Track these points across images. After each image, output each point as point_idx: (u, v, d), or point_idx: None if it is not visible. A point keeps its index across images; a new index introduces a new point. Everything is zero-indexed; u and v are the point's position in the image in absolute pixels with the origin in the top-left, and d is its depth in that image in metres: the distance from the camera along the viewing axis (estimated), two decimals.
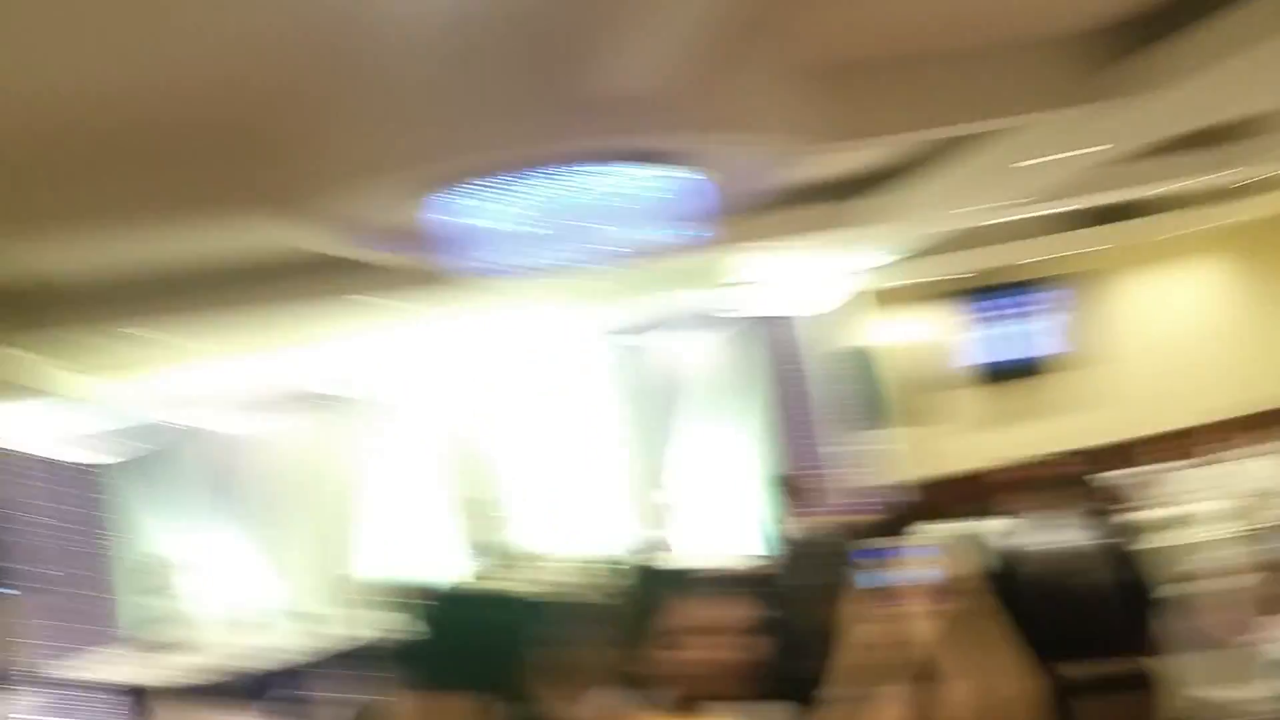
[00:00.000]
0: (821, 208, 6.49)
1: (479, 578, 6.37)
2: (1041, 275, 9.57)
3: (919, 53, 4.24)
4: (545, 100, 3.36)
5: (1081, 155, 5.21)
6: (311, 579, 7.82)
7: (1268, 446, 8.18)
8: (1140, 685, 2.18)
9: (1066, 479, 6.67)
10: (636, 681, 2.13)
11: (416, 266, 5.41)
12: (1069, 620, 2.13)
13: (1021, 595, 2.14)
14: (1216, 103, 4.89)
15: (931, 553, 2.03)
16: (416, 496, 8.18)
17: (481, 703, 2.42)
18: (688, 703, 2.11)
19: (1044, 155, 5.08)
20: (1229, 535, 6.48)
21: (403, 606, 4.25)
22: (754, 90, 3.60)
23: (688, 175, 4.04)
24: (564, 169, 3.89)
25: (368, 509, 8.13)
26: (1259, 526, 6.57)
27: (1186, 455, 8.08)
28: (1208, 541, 6.26)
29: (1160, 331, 10.01)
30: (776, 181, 4.53)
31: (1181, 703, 2.28)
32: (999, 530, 7.27)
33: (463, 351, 8.19)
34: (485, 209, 4.07)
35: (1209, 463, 7.98)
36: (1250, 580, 5.08)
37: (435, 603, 3.04)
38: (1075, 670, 2.11)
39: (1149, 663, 2.26)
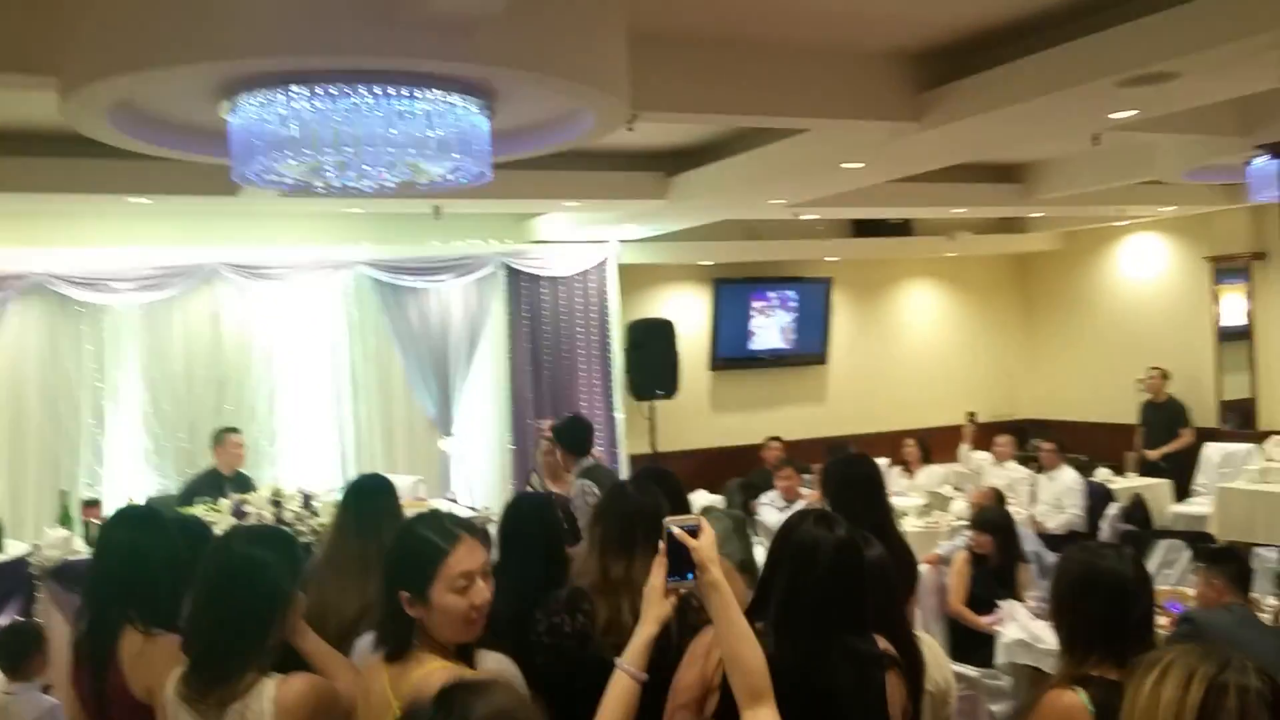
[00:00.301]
0: (613, 175, 6.54)
1: (184, 506, 5.97)
2: (792, 275, 10.11)
3: (751, 40, 4.31)
4: (367, 10, 3.17)
5: (870, 170, 5.51)
6: (20, 491, 7.10)
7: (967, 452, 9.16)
8: (905, 660, 2.35)
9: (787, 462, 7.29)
10: (401, 625, 2.08)
11: (193, 167, 5.01)
12: (847, 596, 2.25)
13: (805, 570, 2.23)
14: (988, 143, 5.35)
15: (686, 525, 2.09)
16: (147, 416, 7.55)
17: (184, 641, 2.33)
18: (455, 647, 2.10)
19: (845, 161, 5.32)
20: (917, 529, 7.27)
21: (96, 528, 3.90)
22: (580, 39, 3.55)
23: (489, 113, 3.95)
24: (366, 88, 3.71)
25: (96, 421, 7.42)
26: (942, 524, 7.39)
27: (893, 456, 8.90)
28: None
29: (887, 343, 10.90)
30: (581, 138, 4.51)
31: (933, 677, 2.49)
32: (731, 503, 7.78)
33: (224, 272, 7.62)
34: (277, 119, 3.83)
35: (906, 464, 8.83)
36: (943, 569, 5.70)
37: (110, 525, 2.82)
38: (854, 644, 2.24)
39: (907, 638, 2.44)
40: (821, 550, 2.22)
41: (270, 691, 2.21)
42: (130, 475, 7.33)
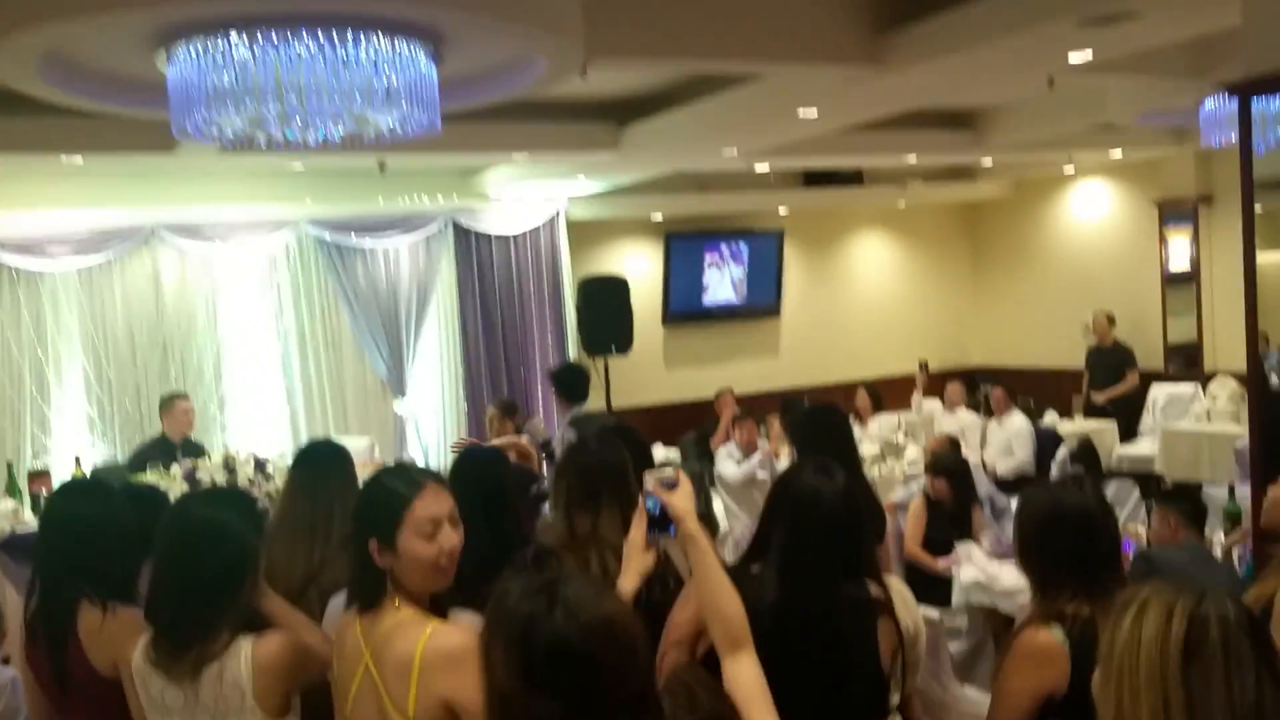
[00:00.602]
0: (562, 127, 6.42)
1: (136, 474, 5.86)
2: (743, 228, 10.07)
3: None
4: None
5: (825, 117, 5.45)
6: None
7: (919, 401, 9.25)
8: (882, 607, 2.37)
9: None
10: (371, 576, 2.05)
11: (129, 123, 4.84)
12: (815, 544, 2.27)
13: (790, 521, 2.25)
14: (946, 87, 5.31)
15: (664, 480, 2.07)
16: (91, 383, 7.35)
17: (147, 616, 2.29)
18: (428, 599, 2.07)
19: (800, 107, 5.24)
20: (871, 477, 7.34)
21: (44, 500, 3.80)
22: None
23: (437, 60, 3.85)
24: (309, 34, 3.58)
25: (39, 391, 7.20)
26: (896, 471, 7.48)
27: (846, 406, 8.94)
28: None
29: (839, 294, 10.92)
30: (533, 84, 4.40)
31: (903, 619, 2.50)
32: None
33: (162, 233, 7.40)
34: (216, 69, 3.69)
35: (858, 414, 8.85)
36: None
37: (54, 499, 2.74)
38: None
39: (878, 585, 2.45)
40: (824, 499, 2.26)
41: (246, 650, 2.22)
42: (77, 444, 7.14)
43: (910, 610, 2.82)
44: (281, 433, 7.74)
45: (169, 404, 6.70)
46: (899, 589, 2.78)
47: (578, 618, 1.35)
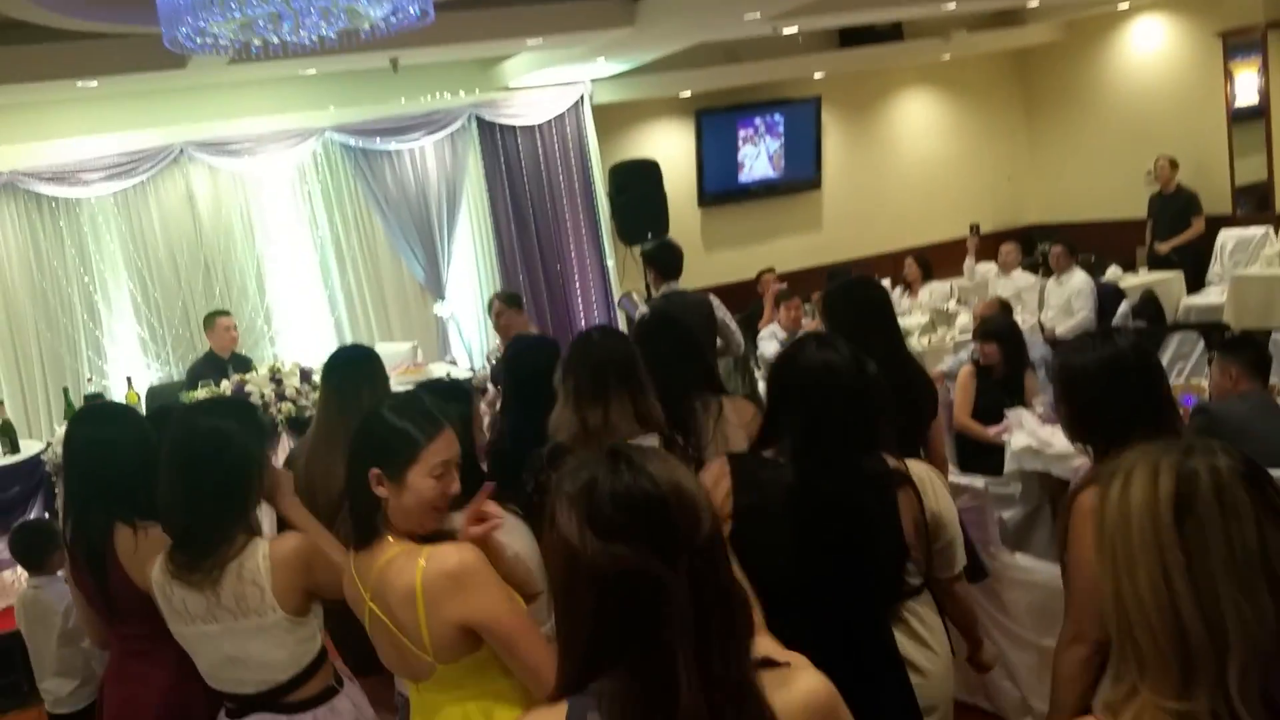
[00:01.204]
0: (574, 5, 6.16)
1: (190, 391, 5.97)
2: (778, 98, 9.67)
3: None
4: None
5: None
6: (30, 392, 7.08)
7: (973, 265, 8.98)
8: (901, 478, 2.29)
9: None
10: (367, 508, 2.01)
11: (137, 42, 4.73)
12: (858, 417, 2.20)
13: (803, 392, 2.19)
14: None
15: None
16: (139, 306, 7.43)
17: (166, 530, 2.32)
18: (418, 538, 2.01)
19: None
20: (922, 348, 7.18)
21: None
22: None
23: None
24: None
25: (90, 317, 7.30)
26: (947, 340, 7.31)
27: (895, 276, 8.70)
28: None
29: (883, 160, 10.52)
30: None
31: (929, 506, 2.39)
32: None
33: (191, 152, 7.34)
34: None
35: (908, 284, 8.63)
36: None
37: (72, 426, 2.76)
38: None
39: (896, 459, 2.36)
40: (832, 373, 2.17)
41: (264, 548, 2.28)
42: (132, 367, 7.27)
43: (937, 495, 2.63)
44: (327, 342, 7.79)
45: (211, 321, 6.77)
46: (922, 473, 2.58)
47: (645, 472, 1.27)
